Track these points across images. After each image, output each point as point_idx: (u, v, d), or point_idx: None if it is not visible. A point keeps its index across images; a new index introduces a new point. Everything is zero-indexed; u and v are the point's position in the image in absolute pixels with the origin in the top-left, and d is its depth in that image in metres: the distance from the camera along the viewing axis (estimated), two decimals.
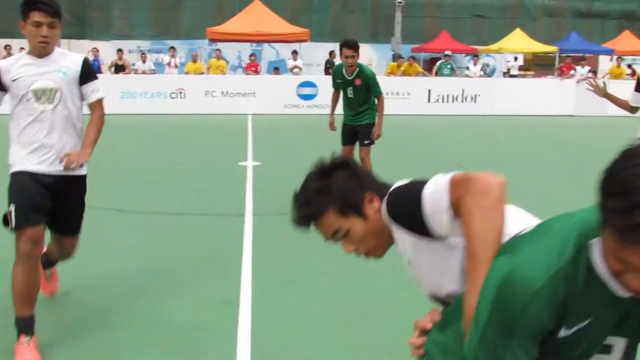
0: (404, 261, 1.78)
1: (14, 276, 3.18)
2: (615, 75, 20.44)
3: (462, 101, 17.81)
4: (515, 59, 24.68)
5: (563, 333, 1.29)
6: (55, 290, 4.05)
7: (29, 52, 3.37)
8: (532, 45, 23.35)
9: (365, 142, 6.86)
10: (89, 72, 3.50)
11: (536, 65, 24.50)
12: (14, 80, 3.29)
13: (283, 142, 12.00)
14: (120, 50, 19.19)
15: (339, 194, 1.72)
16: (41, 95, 3.29)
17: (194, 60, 18.84)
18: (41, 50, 3.31)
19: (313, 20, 25.71)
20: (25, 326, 3.21)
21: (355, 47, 6.57)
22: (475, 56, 21.04)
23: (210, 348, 3.51)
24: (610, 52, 23.78)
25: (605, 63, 24.80)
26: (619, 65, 21.32)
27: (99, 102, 3.54)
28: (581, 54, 22.48)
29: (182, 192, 7.47)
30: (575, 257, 1.25)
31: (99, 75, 4.41)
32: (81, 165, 3.42)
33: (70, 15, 22.25)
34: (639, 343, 1.41)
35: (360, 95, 6.79)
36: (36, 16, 3.19)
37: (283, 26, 20.44)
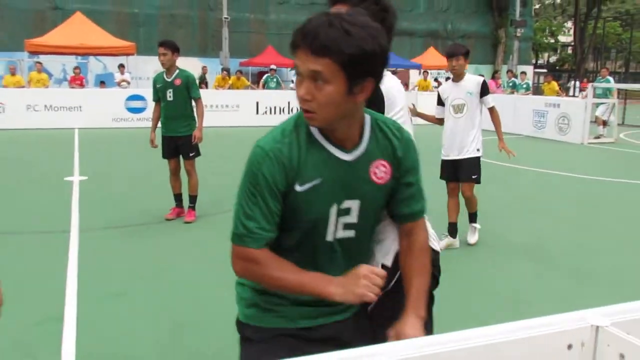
0: None
1: None
2: (423, 88, 22.49)
3: (289, 113, 18.70)
4: None
5: (299, 188, 1.61)
6: None
7: None
8: None
9: (191, 154, 6.80)
10: None
11: None
12: None
13: (111, 156, 11.90)
14: None
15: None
16: None
17: (12, 73, 17.88)
18: None
19: (141, 34, 25.47)
20: None
21: (167, 46, 6.52)
22: None
23: None
24: (418, 67, 26.26)
25: (415, 76, 27.28)
26: (425, 79, 23.53)
27: None
28: (393, 69, 24.57)
29: (3, 210, 7.19)
30: (294, 129, 1.63)
31: None
32: None
33: None
34: (374, 207, 1.74)
35: (180, 98, 6.66)
36: None
37: (107, 39, 20.06)
